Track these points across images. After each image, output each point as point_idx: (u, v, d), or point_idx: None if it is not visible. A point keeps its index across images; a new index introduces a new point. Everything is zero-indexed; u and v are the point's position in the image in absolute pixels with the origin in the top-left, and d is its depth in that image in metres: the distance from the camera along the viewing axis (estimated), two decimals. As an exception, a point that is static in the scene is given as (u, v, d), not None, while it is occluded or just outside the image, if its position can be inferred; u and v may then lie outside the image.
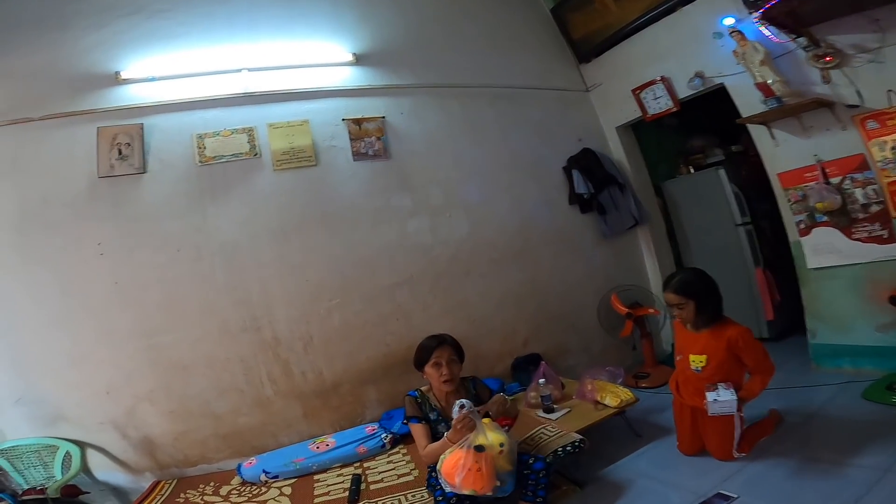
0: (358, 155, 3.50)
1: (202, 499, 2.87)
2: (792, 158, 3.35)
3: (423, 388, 2.53)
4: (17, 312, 2.97)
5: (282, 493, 2.82)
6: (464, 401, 2.21)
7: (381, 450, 3.10)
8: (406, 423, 2.53)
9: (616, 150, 4.40)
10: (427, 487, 2.47)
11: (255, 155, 3.30)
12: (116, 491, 3.18)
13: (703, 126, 4.54)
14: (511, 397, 3.39)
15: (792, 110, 3.14)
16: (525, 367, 3.62)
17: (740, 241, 4.12)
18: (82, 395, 3.06)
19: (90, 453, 3.10)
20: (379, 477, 2.81)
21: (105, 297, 3.06)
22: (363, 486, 2.74)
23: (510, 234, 3.89)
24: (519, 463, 2.30)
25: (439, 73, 3.86)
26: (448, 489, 2.11)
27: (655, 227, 4.44)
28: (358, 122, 3.51)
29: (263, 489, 2.90)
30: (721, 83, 3.55)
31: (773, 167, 3.50)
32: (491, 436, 2.16)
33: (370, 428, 3.21)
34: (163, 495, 2.94)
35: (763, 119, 3.32)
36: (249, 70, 3.34)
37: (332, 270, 3.39)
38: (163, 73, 3.23)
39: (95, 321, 3.05)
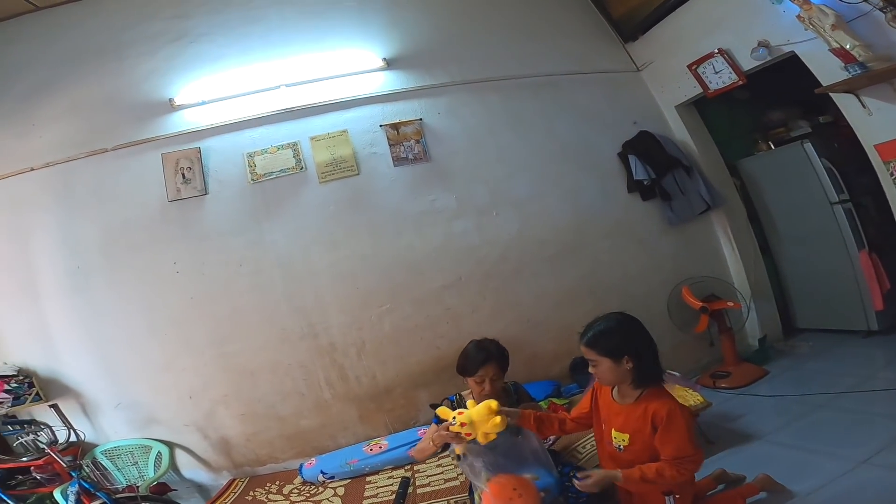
0: (398, 160, 3.51)
1: (267, 497, 3.05)
2: (889, 128, 2.87)
3: (463, 392, 2.48)
4: (111, 326, 3.33)
5: (335, 494, 2.93)
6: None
7: (433, 454, 3.09)
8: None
9: (678, 131, 4.03)
10: (469, 494, 2.43)
11: (301, 169, 3.44)
12: (199, 488, 3.49)
13: (781, 97, 4.02)
14: (566, 401, 3.27)
15: (880, 76, 2.69)
16: (584, 368, 3.40)
17: (838, 222, 3.61)
18: (170, 400, 3.38)
19: (177, 453, 3.43)
20: (427, 481, 2.81)
21: (183, 311, 3.35)
22: (411, 489, 2.75)
23: (563, 228, 3.70)
24: (563, 474, 2.19)
25: (474, 68, 3.76)
26: None
27: (733, 210, 4.00)
28: (395, 126, 3.53)
29: (320, 489, 3.03)
30: (791, 51, 3.12)
31: (868, 138, 3.02)
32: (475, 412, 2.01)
33: (422, 431, 3.20)
34: (236, 493, 3.18)
35: (848, 87, 2.87)
36: (287, 86, 3.48)
37: (380, 276, 3.44)
38: (210, 96, 3.45)
39: (176, 332, 3.35)
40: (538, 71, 3.87)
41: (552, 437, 2.61)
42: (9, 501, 3.03)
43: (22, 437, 2.94)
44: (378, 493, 2.82)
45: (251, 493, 3.13)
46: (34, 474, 3.16)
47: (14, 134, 3.35)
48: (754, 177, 4.14)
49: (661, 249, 3.88)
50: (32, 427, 3.07)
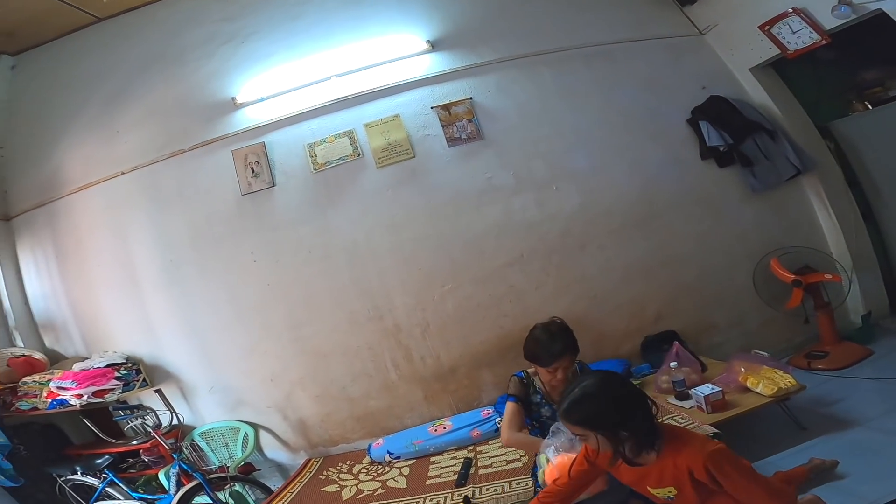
0: (452, 140, 3.48)
1: (338, 476, 3.17)
2: None
3: (529, 370, 2.41)
4: (203, 315, 3.60)
5: (401, 474, 2.98)
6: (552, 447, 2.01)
7: (495, 434, 3.06)
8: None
9: (756, 94, 3.62)
10: (532, 476, 2.37)
11: (359, 155, 3.51)
12: (280, 468, 3.72)
13: (874, 55, 3.52)
14: (639, 379, 3.10)
15: None
16: (657, 347, 3.22)
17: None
18: (254, 383, 3.60)
19: (261, 435, 3.66)
20: (489, 462, 2.79)
21: (262, 298, 3.54)
22: (472, 470, 2.75)
23: (630, 200, 3.49)
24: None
25: (521, 42, 3.61)
26: None
27: (828, 174, 3.56)
28: (446, 107, 3.50)
29: (387, 469, 3.10)
30: (878, 9, 2.72)
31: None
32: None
33: (485, 412, 3.21)
34: (311, 472, 3.33)
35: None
36: (337, 76, 3.54)
37: (441, 257, 3.44)
38: (268, 92, 3.59)
39: (257, 318, 3.55)
40: (589, 41, 3.65)
41: None
42: (121, 484, 3.34)
43: (131, 422, 3.22)
44: (441, 474, 2.84)
45: (324, 472, 3.28)
46: (143, 457, 3.48)
47: (101, 140, 3.69)
48: (851, 139, 3.65)
49: (743, 218, 3.54)
50: (140, 411, 3.34)
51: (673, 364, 2.83)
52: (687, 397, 2.64)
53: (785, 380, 2.52)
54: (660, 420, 1.71)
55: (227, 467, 3.35)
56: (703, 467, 1.47)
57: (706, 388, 2.52)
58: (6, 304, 3.75)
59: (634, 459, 1.59)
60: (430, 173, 3.50)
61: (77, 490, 3.42)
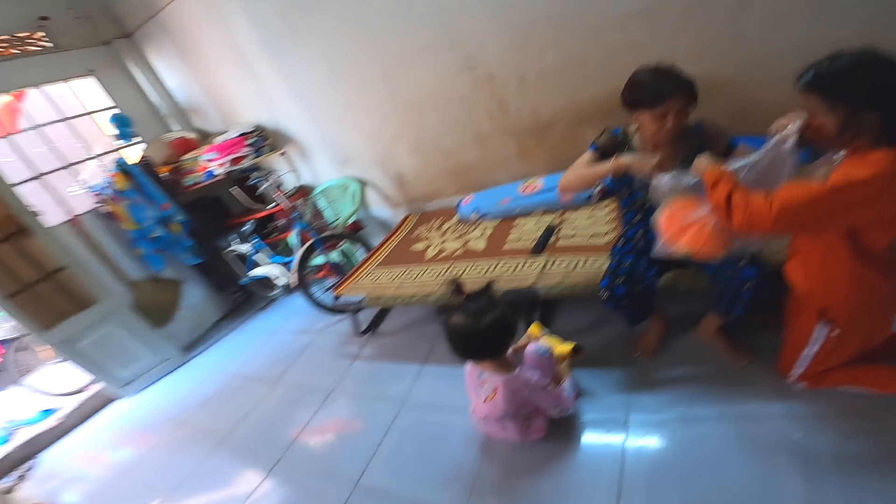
0: None
1: (428, 234, 3.25)
2: None
3: (630, 129, 1.93)
4: (304, 79, 3.59)
5: (482, 235, 2.92)
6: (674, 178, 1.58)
7: (587, 201, 2.74)
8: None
9: None
10: (610, 253, 2.09)
11: None
12: (383, 225, 3.99)
13: None
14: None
15: None
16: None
17: None
18: (356, 138, 3.66)
19: (368, 192, 3.89)
20: (573, 231, 2.55)
21: (354, 55, 3.28)
22: (553, 239, 2.55)
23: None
24: (723, 266, 1.72)
25: None
26: (667, 249, 1.63)
27: None
28: None
29: (471, 228, 3.05)
30: None
31: None
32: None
33: (580, 175, 2.82)
34: (407, 230, 3.48)
35: None
36: None
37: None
38: None
39: (353, 75, 3.38)
40: None
41: None
42: (264, 249, 3.94)
43: (264, 185, 3.52)
44: (521, 237, 2.71)
45: (418, 229, 3.39)
46: (277, 221, 3.99)
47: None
48: None
49: None
50: (270, 175, 3.63)
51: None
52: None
53: None
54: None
55: (338, 226, 3.70)
56: None
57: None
58: (154, 98, 4.42)
59: (855, 153, 1.29)
60: None
61: (235, 262, 4.21)
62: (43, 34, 3.81)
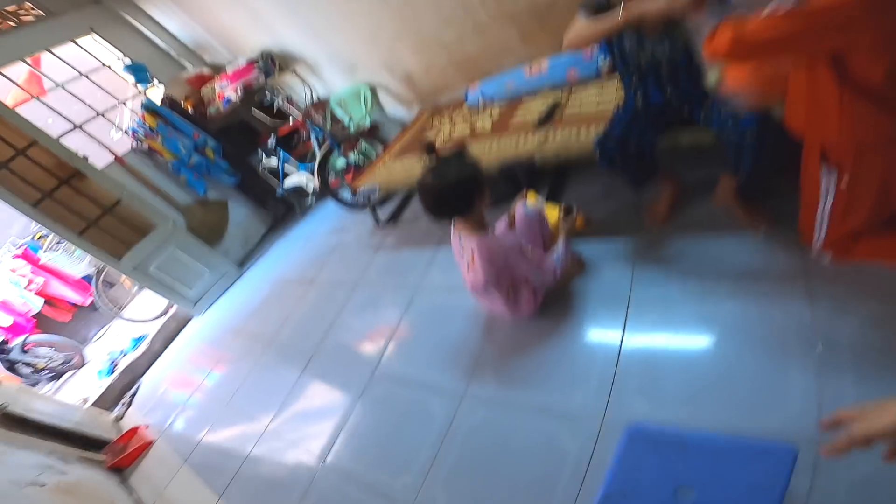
0: None
1: (440, 123, 3.29)
2: None
3: None
4: None
5: (489, 117, 2.94)
6: None
7: (595, 77, 2.63)
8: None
9: None
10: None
11: None
12: (401, 124, 4.04)
13: None
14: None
15: None
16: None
17: None
18: (357, 45, 3.62)
19: (380, 95, 3.93)
20: (578, 106, 2.50)
21: None
22: (558, 113, 2.51)
23: None
24: (724, 119, 1.66)
25: None
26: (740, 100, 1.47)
27: None
28: None
29: (479, 113, 3.06)
30: None
31: None
32: None
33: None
34: (421, 122, 3.52)
35: None
36: None
37: None
38: None
39: None
40: None
41: None
42: (290, 159, 4.11)
43: (276, 102, 3.67)
44: (527, 115, 2.70)
45: (431, 120, 3.42)
46: (301, 133, 4.14)
47: None
48: None
49: None
50: (278, 93, 3.79)
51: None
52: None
53: None
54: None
55: (353, 129, 3.82)
56: None
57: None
58: (161, 44, 4.50)
59: None
60: None
61: (270, 178, 4.44)
62: (31, 6, 3.88)
